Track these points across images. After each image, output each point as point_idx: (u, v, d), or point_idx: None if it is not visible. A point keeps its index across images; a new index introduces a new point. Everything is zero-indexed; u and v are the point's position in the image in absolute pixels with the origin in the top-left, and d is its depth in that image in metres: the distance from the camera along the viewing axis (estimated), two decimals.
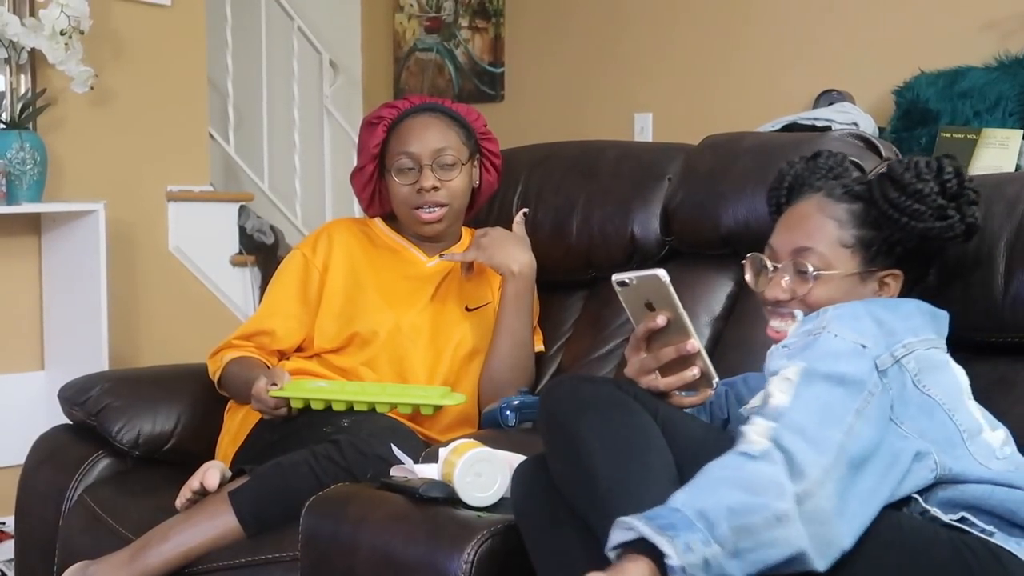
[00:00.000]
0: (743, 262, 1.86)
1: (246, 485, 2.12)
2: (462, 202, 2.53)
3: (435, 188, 2.45)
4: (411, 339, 2.44)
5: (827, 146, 2.29)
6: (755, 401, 1.79)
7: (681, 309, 1.67)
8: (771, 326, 1.80)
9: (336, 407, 2.25)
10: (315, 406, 2.25)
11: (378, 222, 2.61)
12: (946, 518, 1.57)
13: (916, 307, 1.74)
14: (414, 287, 2.50)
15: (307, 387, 2.29)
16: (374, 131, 2.52)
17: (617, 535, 1.43)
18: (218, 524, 2.10)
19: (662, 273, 1.65)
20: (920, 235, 1.76)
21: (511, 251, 2.46)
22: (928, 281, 1.85)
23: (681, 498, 1.44)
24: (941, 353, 1.71)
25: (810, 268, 1.75)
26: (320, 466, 2.09)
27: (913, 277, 1.81)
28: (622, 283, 1.69)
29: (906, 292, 1.81)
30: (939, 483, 1.59)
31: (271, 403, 2.25)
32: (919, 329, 1.69)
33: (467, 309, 2.51)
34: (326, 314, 2.47)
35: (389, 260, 2.54)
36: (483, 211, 2.69)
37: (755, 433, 1.49)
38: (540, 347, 2.57)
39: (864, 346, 1.59)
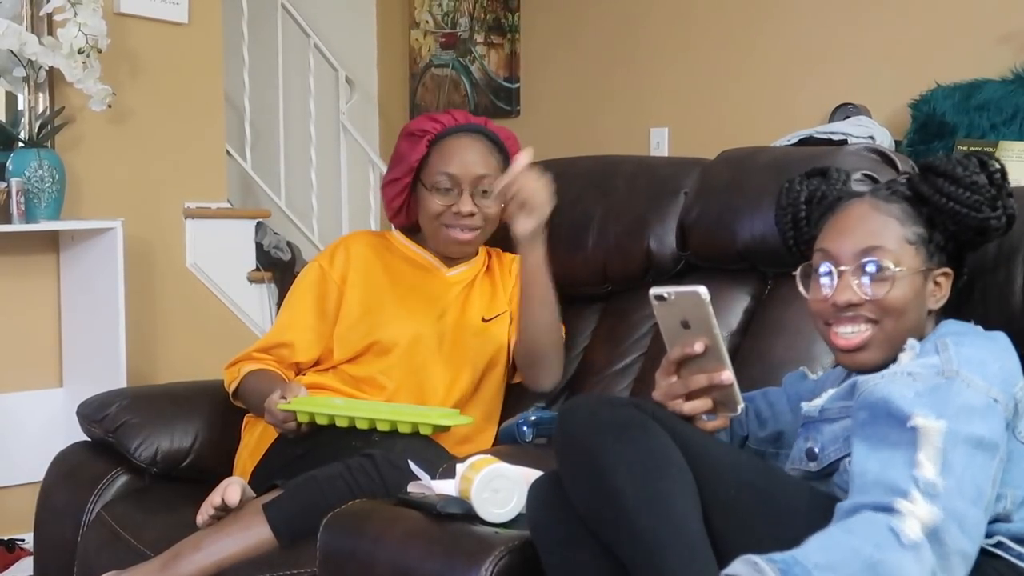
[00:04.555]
0: (794, 274, 1.80)
1: (280, 497, 2.12)
2: (492, 227, 2.53)
3: (472, 214, 2.46)
4: (431, 350, 2.45)
5: (844, 160, 2.29)
6: (819, 402, 1.76)
7: (717, 331, 1.64)
8: (838, 333, 1.73)
9: (339, 423, 2.24)
10: (319, 421, 2.26)
11: (396, 233, 2.61)
12: (982, 543, 1.55)
13: (1006, 338, 1.70)
14: (433, 297, 2.51)
15: (314, 402, 2.30)
16: (416, 144, 2.50)
17: (741, 569, 1.41)
18: (252, 535, 2.09)
19: (703, 291, 1.62)
20: (977, 227, 1.73)
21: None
22: (962, 281, 1.82)
23: (816, 557, 1.40)
24: None
25: (891, 265, 1.70)
26: (355, 480, 2.09)
27: (957, 276, 1.79)
28: (660, 297, 1.65)
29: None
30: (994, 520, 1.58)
31: (279, 416, 2.26)
32: (1018, 365, 1.66)
33: (483, 320, 2.51)
34: (344, 325, 2.48)
35: (408, 270, 2.55)
36: (499, 233, 2.68)
37: (914, 515, 1.43)
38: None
39: (996, 400, 1.56)
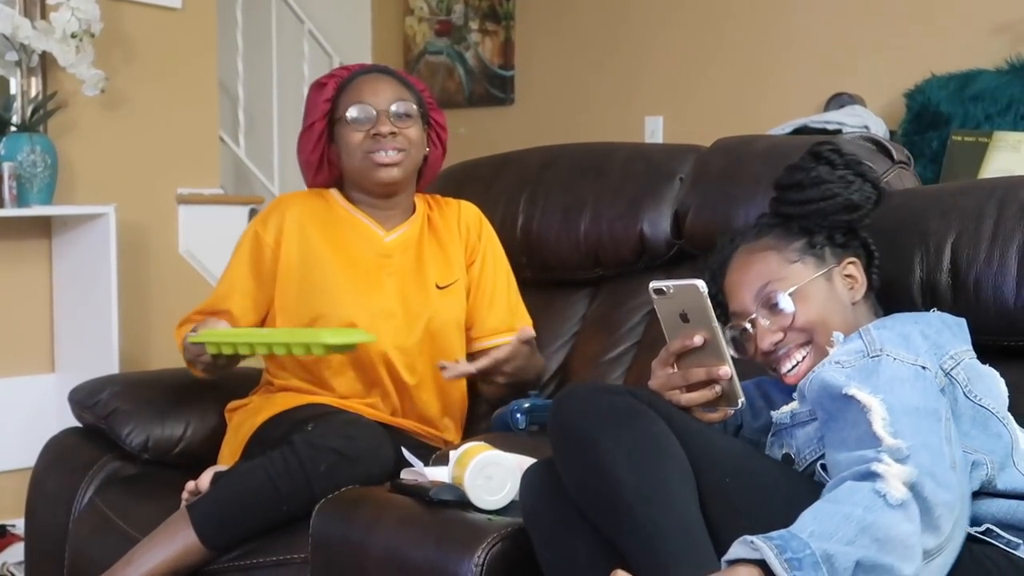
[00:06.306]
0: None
1: (202, 498, 2.14)
2: (418, 154, 2.46)
3: (393, 134, 2.39)
4: (383, 327, 2.37)
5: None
6: (787, 408, 1.78)
7: (716, 324, 1.65)
8: (785, 373, 1.78)
9: (242, 351, 2.24)
10: (224, 351, 2.24)
11: (334, 193, 2.53)
12: (972, 530, 1.56)
13: (940, 319, 1.73)
14: (376, 267, 2.43)
15: (220, 333, 2.28)
16: (323, 89, 2.47)
17: (740, 551, 1.42)
18: (178, 540, 2.11)
19: (700, 284, 1.64)
20: (843, 208, 1.78)
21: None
22: (877, 259, 1.86)
23: (811, 527, 1.41)
24: (979, 362, 1.71)
25: (782, 291, 1.75)
26: (275, 467, 2.10)
27: (865, 260, 1.84)
28: (659, 291, 1.66)
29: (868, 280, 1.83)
30: (978, 493, 1.59)
31: (192, 351, 2.29)
32: (956, 339, 1.69)
33: (437, 287, 2.45)
34: (284, 293, 2.42)
35: (346, 236, 2.46)
36: (490, 217, 2.67)
37: (892, 475, 1.44)
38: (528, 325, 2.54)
39: (924, 367, 1.60)
